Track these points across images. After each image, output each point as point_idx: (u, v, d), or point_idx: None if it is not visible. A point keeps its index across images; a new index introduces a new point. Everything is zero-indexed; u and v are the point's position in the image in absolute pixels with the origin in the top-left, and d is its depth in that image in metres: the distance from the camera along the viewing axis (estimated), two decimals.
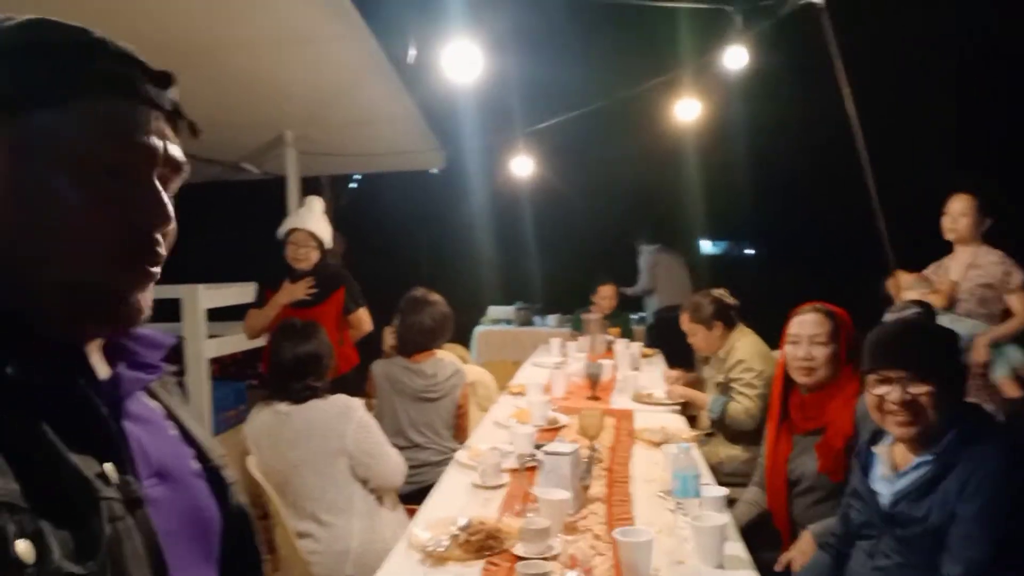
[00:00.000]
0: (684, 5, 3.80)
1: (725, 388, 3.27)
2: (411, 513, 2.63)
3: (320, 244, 3.65)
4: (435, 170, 6.99)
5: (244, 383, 5.17)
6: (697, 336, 3.41)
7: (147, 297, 0.70)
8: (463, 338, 6.63)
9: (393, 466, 2.41)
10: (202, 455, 0.81)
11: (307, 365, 2.39)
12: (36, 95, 0.65)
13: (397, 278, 5.36)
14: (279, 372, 2.40)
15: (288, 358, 2.38)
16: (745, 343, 3.27)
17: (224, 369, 4.84)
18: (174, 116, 0.73)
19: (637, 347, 4.72)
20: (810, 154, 7.26)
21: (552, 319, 6.90)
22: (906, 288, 3.46)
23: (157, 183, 0.70)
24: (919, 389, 1.70)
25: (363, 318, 3.76)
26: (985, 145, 7.02)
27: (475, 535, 1.75)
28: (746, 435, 3.17)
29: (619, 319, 5.59)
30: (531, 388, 3.36)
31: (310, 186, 6.07)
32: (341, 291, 3.68)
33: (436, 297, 3.25)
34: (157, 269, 0.71)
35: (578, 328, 5.56)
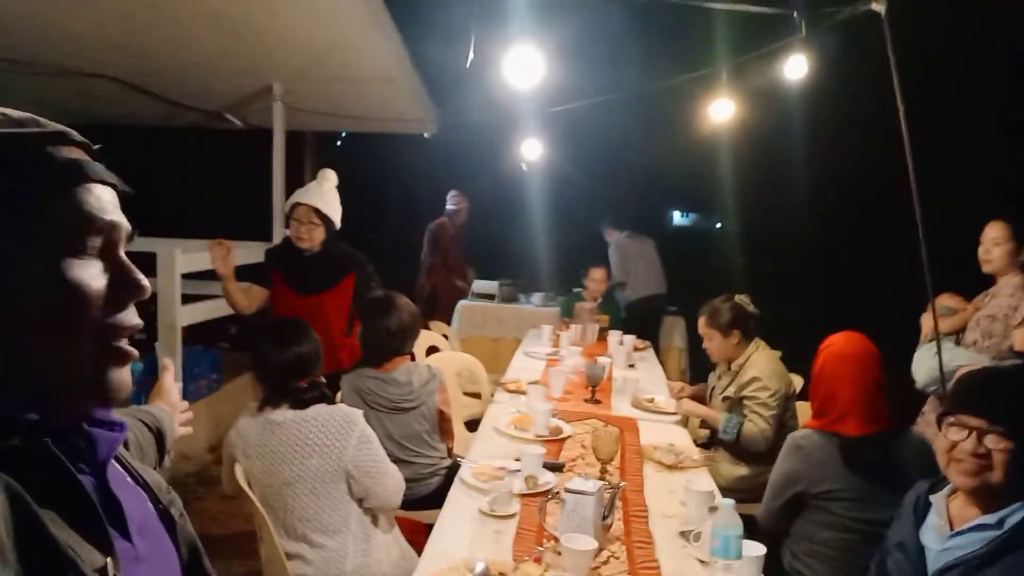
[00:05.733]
0: (744, 8, 3.55)
1: (735, 403, 3.13)
2: (401, 523, 2.45)
3: (326, 222, 3.28)
4: (427, 134, 6.69)
5: (216, 349, 4.90)
6: (713, 342, 3.25)
7: (124, 373, 0.71)
8: (450, 312, 6.42)
9: (393, 485, 2.21)
10: (153, 497, 0.82)
11: (298, 370, 2.17)
12: None
13: (375, 243, 5.09)
14: (269, 379, 2.18)
15: (274, 363, 2.16)
16: (761, 358, 3.12)
17: (192, 331, 4.52)
18: (114, 186, 0.73)
19: (630, 341, 4.56)
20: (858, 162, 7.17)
21: (537, 297, 6.69)
22: (940, 304, 3.18)
23: (122, 255, 0.72)
24: (996, 444, 1.56)
25: None
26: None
27: None
28: (754, 454, 3.05)
29: (609, 305, 5.40)
30: (532, 391, 3.18)
31: (293, 140, 5.76)
32: (351, 278, 3.34)
33: (402, 299, 2.88)
34: (130, 349, 0.71)
35: (568, 314, 5.37)
